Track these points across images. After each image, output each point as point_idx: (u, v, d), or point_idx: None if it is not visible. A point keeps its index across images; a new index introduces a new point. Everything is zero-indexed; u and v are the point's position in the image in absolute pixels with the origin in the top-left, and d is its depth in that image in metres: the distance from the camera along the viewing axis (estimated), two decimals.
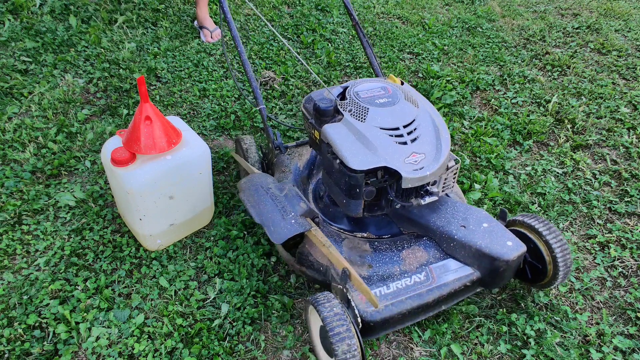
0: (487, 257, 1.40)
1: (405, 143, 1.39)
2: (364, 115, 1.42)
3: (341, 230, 1.58)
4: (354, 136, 1.39)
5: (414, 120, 1.45)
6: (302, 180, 1.72)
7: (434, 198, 1.45)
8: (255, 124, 2.33)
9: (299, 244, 1.51)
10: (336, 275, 1.39)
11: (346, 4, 2.03)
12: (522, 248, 1.42)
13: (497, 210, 1.91)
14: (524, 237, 1.50)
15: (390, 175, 1.39)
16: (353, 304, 1.31)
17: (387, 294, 1.36)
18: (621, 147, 2.31)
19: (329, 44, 2.98)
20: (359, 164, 1.33)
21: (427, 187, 1.44)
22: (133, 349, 1.41)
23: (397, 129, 1.41)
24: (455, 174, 1.49)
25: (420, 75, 2.79)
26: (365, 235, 1.58)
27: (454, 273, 1.43)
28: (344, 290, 1.34)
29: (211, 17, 2.98)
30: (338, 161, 1.38)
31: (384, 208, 1.49)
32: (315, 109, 1.45)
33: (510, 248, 1.40)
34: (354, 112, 1.44)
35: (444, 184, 1.47)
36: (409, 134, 1.41)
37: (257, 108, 1.76)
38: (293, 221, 1.42)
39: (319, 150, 1.53)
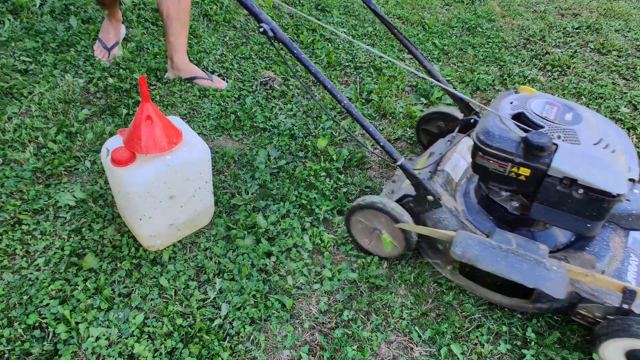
0: None
1: (614, 151, 1.39)
2: (575, 137, 1.39)
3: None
4: (585, 161, 1.35)
5: (599, 127, 1.46)
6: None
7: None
8: (254, 124, 2.33)
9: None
10: (595, 297, 1.41)
11: (375, 11, 1.87)
12: None
13: None
14: None
15: None
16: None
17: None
18: None
19: (329, 44, 2.98)
20: (618, 187, 1.32)
21: None
22: (133, 349, 1.41)
23: (601, 140, 1.41)
24: None
25: (421, 75, 2.79)
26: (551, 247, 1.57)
27: None
28: (628, 307, 1.36)
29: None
30: (581, 191, 1.35)
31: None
32: (534, 146, 1.35)
33: None
34: (563, 137, 1.40)
35: None
36: (609, 142, 1.41)
37: (397, 164, 1.54)
38: (555, 267, 1.39)
39: (522, 187, 1.45)
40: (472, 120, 1.90)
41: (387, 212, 1.60)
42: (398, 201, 1.64)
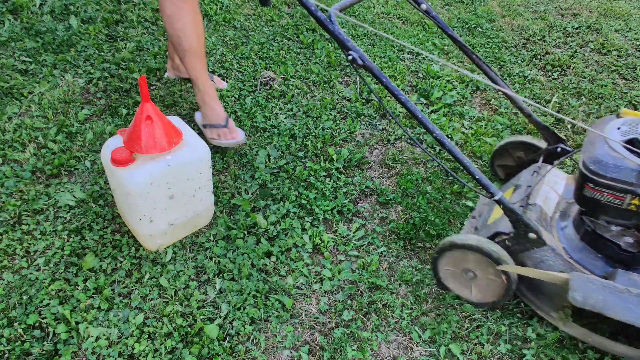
0: None
1: None
2: None
3: None
4: None
5: None
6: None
7: None
8: (254, 124, 2.32)
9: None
10: None
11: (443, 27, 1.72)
12: None
13: None
14: None
15: None
16: None
17: None
18: None
19: (329, 44, 2.98)
20: None
21: None
22: (133, 349, 1.42)
23: None
24: None
25: (420, 75, 2.80)
26: None
27: None
28: None
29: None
30: None
31: None
32: None
33: None
34: None
35: None
36: None
37: (494, 199, 1.41)
38: None
39: (630, 218, 1.35)
40: (558, 149, 1.76)
41: (488, 253, 1.46)
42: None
